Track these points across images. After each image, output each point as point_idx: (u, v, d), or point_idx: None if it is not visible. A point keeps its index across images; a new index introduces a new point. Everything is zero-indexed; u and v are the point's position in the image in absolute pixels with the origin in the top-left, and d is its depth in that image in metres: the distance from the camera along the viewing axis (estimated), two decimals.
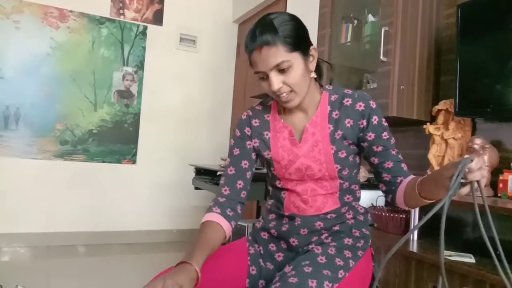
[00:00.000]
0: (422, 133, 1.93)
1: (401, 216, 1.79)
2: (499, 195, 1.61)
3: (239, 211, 1.21)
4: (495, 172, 1.65)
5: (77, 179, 3.65)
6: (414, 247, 1.58)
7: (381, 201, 1.99)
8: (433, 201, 1.04)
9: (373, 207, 1.96)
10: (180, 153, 4.03)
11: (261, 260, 1.23)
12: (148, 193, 3.93)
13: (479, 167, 0.87)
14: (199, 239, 1.05)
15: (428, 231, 1.72)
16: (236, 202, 1.21)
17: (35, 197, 3.48)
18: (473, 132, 1.82)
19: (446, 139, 1.82)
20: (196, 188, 2.84)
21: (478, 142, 1.65)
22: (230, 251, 1.22)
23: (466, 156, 0.90)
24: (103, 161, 3.75)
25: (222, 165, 2.67)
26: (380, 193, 1.23)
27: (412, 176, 1.13)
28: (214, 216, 1.14)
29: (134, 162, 3.87)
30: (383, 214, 1.85)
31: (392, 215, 1.82)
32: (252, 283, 1.19)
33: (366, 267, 1.21)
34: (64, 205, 3.61)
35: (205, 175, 2.71)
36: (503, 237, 1.06)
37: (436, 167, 1.85)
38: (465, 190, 0.90)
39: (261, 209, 2.69)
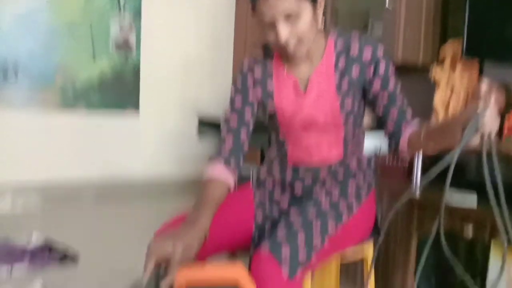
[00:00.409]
0: (427, 80, 1.90)
1: (404, 164, 1.80)
2: (503, 140, 1.61)
3: (242, 163, 1.22)
4: (501, 116, 1.63)
5: (81, 130, 3.66)
6: (416, 192, 1.60)
7: (384, 149, 2.00)
8: (439, 150, 1.03)
9: (376, 154, 1.97)
10: (183, 103, 4.00)
11: (266, 207, 1.25)
12: (152, 142, 3.95)
13: (493, 120, 0.84)
14: (205, 196, 1.05)
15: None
16: (239, 154, 1.20)
17: (39, 148, 3.51)
18: (480, 76, 1.79)
19: (451, 85, 1.80)
20: (202, 140, 2.85)
21: (484, 86, 1.62)
22: (235, 199, 1.23)
23: (480, 107, 0.85)
24: (106, 111, 3.73)
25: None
26: (384, 140, 1.23)
27: (417, 123, 1.12)
28: (218, 171, 1.13)
29: (137, 113, 3.86)
30: (386, 161, 1.87)
31: (395, 162, 1.84)
32: (258, 228, 1.22)
33: (369, 211, 1.24)
34: (69, 156, 3.64)
35: (210, 126, 2.71)
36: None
37: (441, 114, 1.84)
38: (476, 141, 0.87)
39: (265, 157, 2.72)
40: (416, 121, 1.12)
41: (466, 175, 1.70)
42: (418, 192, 1.52)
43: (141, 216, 3.36)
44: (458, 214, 1.36)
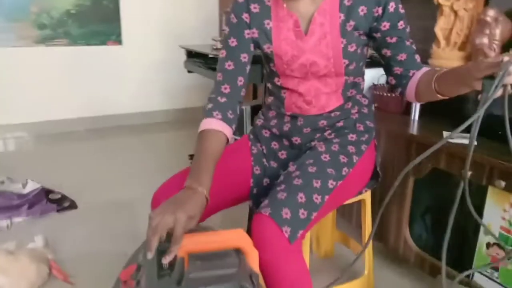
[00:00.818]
0: (430, 3, 1.77)
1: (402, 96, 1.74)
2: None
3: (238, 111, 1.14)
4: (506, 47, 1.55)
5: (63, 64, 3.51)
6: (414, 129, 1.57)
7: (382, 80, 1.93)
8: (448, 97, 0.98)
9: (374, 86, 1.90)
10: (168, 31, 3.79)
11: (264, 160, 1.22)
12: (139, 74, 3.82)
13: None
14: (203, 154, 0.98)
15: (429, 110, 1.69)
16: (236, 102, 1.12)
17: (21, 86, 3.38)
18: (486, 2, 1.66)
19: (455, 10, 1.68)
20: (189, 72, 2.73)
21: (491, 14, 1.51)
22: (233, 154, 1.19)
23: (507, 58, 0.80)
24: (88, 44, 3.56)
25: (214, 46, 2.52)
26: (382, 71, 1.16)
27: (425, 69, 1.05)
28: (216, 123, 1.05)
29: (120, 42, 3.66)
30: (384, 94, 1.81)
31: (393, 95, 1.78)
32: (257, 183, 1.19)
33: (369, 159, 1.21)
34: (53, 92, 3.53)
35: (197, 58, 2.57)
36: None
37: (443, 41, 1.74)
38: (497, 92, 0.83)
39: (257, 90, 2.64)
40: (424, 68, 1.05)
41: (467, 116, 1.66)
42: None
43: (133, 149, 3.34)
44: (457, 155, 1.33)
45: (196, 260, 0.87)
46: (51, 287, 1.59)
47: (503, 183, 1.20)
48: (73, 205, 2.27)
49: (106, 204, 2.34)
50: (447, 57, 1.75)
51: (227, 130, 1.06)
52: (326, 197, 1.03)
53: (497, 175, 1.22)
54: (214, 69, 2.32)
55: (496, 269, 1.29)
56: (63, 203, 2.26)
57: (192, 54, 2.66)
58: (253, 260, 0.91)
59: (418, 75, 1.04)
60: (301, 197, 0.98)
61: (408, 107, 1.74)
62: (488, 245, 1.30)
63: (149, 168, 2.92)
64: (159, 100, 3.98)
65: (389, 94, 1.79)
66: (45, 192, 2.27)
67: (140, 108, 3.93)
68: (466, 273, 1.33)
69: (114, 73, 3.71)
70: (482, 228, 1.32)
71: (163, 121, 4.05)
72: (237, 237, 0.90)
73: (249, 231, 1.13)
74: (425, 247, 1.56)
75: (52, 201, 2.25)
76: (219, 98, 1.10)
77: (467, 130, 1.46)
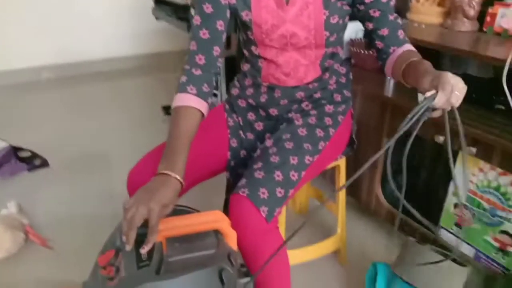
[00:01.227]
0: None
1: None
2: (484, 29, 1.52)
3: (214, 83, 1.09)
4: (485, 4, 1.52)
5: (26, 10, 3.26)
6: (390, 90, 1.56)
7: (361, 34, 1.87)
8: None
9: (352, 42, 1.85)
10: None
11: (241, 132, 1.20)
12: (107, 19, 3.61)
13: (447, 100, 0.78)
14: (176, 135, 0.93)
15: None
16: (212, 74, 1.05)
17: None
18: None
19: None
20: (157, 19, 2.58)
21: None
22: (209, 127, 1.16)
23: (430, 93, 0.79)
24: None
25: None
26: (360, 25, 1.13)
27: (406, 47, 1.02)
28: (190, 100, 0.99)
29: None
30: (361, 51, 1.77)
31: (370, 52, 1.75)
32: (234, 155, 1.18)
33: (345, 129, 1.21)
34: (14, 40, 3.31)
35: (166, 5, 2.42)
36: None
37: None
38: (436, 114, 0.82)
39: (231, 39, 2.53)
40: (406, 46, 1.02)
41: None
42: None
43: (103, 98, 3.24)
44: (430, 121, 1.34)
45: (175, 243, 0.87)
46: (29, 253, 1.59)
47: (474, 150, 1.24)
48: (44, 163, 2.22)
49: (79, 160, 2.29)
50: (426, 12, 1.71)
51: (203, 106, 1.01)
52: (303, 173, 1.03)
53: (469, 142, 1.24)
54: (183, 19, 2.21)
55: (460, 227, 1.37)
56: (34, 162, 2.20)
57: (160, 1, 2.50)
58: (231, 240, 0.92)
59: (397, 53, 1.01)
60: (278, 175, 0.98)
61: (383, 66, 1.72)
62: (455, 206, 1.37)
63: (121, 119, 2.85)
64: (128, 46, 3.82)
65: (366, 52, 1.76)
66: (14, 151, 2.19)
67: (109, 54, 3.76)
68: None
69: (80, 18, 3.49)
70: (450, 190, 1.37)
71: (133, 67, 3.90)
72: (215, 219, 0.90)
73: (227, 204, 1.14)
74: (396, 204, 1.63)
75: (21, 159, 2.19)
76: (193, 70, 1.03)
77: None
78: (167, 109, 2.83)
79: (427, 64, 0.90)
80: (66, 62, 3.58)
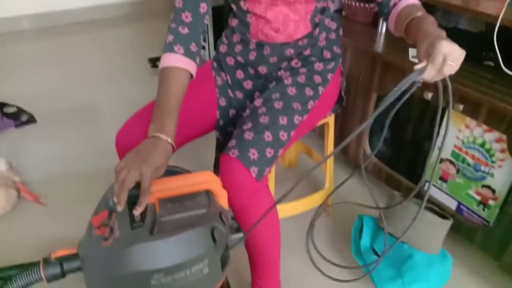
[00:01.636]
0: None
1: (370, 6, 1.67)
2: None
3: (202, 42, 1.06)
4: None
5: None
6: (380, 45, 1.54)
7: None
8: None
9: None
10: None
11: (229, 91, 1.19)
12: None
13: (438, 72, 0.76)
14: (166, 97, 0.91)
15: None
16: (199, 32, 1.01)
17: None
18: None
19: None
20: None
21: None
22: (197, 86, 1.14)
23: (418, 66, 0.77)
24: None
25: None
26: None
27: (408, 2, 0.99)
28: (178, 60, 0.96)
29: None
30: (353, 3, 1.72)
31: (361, 4, 1.70)
32: (223, 114, 1.18)
33: (334, 87, 1.21)
34: None
35: None
36: None
37: None
38: (428, 78, 0.80)
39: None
40: (407, 0, 0.99)
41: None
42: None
43: (87, 48, 3.15)
44: None
45: (167, 203, 0.89)
46: (23, 210, 1.61)
47: (461, 106, 1.25)
48: (32, 119, 2.19)
49: (66, 114, 2.26)
50: None
51: (191, 66, 0.98)
52: (292, 132, 1.04)
53: (456, 99, 1.25)
54: None
55: (445, 181, 1.41)
56: (21, 117, 2.18)
57: None
58: (222, 199, 0.95)
59: (399, 7, 0.98)
60: (267, 135, 0.98)
61: (376, 18, 1.69)
62: (441, 160, 1.40)
63: (107, 71, 2.79)
64: None
65: (358, 4, 1.71)
66: (1, 109, 2.16)
67: (93, 2, 3.61)
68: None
69: None
70: (436, 145, 1.40)
71: (117, 15, 3.76)
72: (206, 180, 0.91)
73: (217, 163, 1.15)
74: (383, 158, 1.66)
75: (8, 115, 2.16)
76: (180, 28, 0.99)
77: None
78: (154, 61, 2.77)
79: (429, 23, 0.86)
80: (47, 11, 3.43)
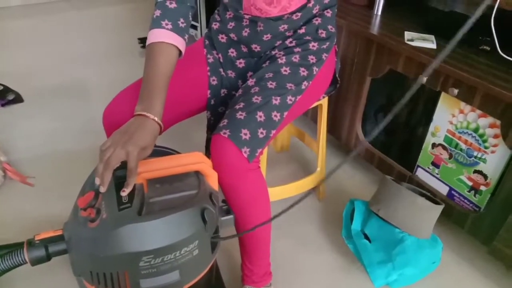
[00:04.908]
0: None
1: None
2: None
3: (191, 17, 1.03)
4: None
5: None
6: (376, 27, 1.51)
7: None
8: None
9: None
10: None
11: (221, 69, 1.16)
12: None
13: None
14: (153, 74, 0.88)
15: (393, 4, 1.62)
16: (188, 7, 0.97)
17: None
18: None
19: None
20: None
21: None
22: (188, 64, 1.11)
23: None
24: None
25: None
26: None
27: None
28: (166, 35, 0.92)
29: None
30: None
31: None
32: (214, 93, 1.15)
33: (329, 67, 1.19)
34: None
35: None
36: None
37: None
38: None
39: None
40: None
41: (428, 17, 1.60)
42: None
43: (76, 25, 3.08)
44: (415, 60, 1.32)
45: (156, 184, 0.87)
46: (9, 191, 1.58)
47: (455, 91, 1.23)
48: (18, 98, 2.14)
49: (53, 92, 2.21)
50: None
51: (179, 42, 0.94)
52: (285, 113, 1.02)
53: (451, 83, 1.24)
54: None
55: (437, 166, 1.41)
56: (7, 96, 2.12)
57: None
58: (212, 180, 0.93)
59: None
60: (260, 116, 0.96)
61: (371, 1, 1.66)
62: (434, 145, 1.39)
63: (95, 50, 2.73)
64: None
65: None
66: None
67: None
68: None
69: None
70: (430, 130, 1.39)
71: None
72: (196, 161, 0.89)
73: (209, 145, 1.13)
74: (375, 143, 1.65)
75: None
76: (167, 3, 0.95)
77: (429, 31, 1.43)
78: (144, 41, 2.71)
79: None
80: None
